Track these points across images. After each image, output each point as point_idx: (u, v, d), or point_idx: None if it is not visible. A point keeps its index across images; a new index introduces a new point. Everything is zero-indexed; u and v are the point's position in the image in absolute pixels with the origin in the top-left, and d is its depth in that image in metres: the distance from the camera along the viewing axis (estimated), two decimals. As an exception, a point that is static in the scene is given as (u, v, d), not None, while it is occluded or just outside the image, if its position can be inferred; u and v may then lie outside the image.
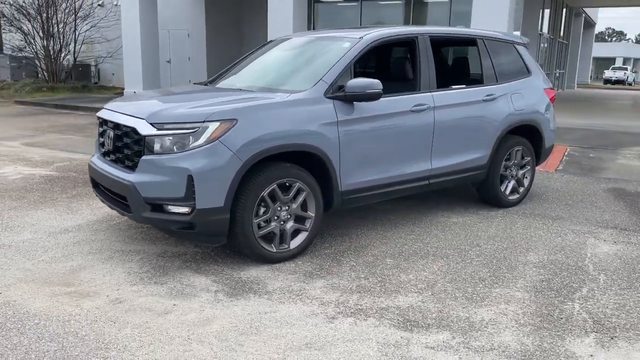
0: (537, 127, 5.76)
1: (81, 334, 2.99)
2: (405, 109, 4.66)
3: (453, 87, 5.18)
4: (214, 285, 3.69)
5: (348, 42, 4.63)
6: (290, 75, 4.78)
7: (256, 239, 3.94)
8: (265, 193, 3.92)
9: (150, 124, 3.81)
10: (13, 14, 19.25)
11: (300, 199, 4.13)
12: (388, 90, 4.51)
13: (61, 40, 19.38)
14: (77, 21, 19.67)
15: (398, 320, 3.24)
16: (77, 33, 19.61)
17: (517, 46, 5.79)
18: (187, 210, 3.73)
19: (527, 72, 5.82)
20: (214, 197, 3.72)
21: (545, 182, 6.96)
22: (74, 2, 19.42)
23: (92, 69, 22.28)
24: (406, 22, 16.14)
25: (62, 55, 19.61)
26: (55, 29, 19.13)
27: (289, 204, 4.09)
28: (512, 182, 5.71)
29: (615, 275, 3.98)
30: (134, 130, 3.90)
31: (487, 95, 5.28)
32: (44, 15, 19.01)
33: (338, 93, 4.25)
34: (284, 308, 3.36)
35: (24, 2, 19.06)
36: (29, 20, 19.06)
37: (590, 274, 4.00)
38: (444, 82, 5.19)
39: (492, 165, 5.44)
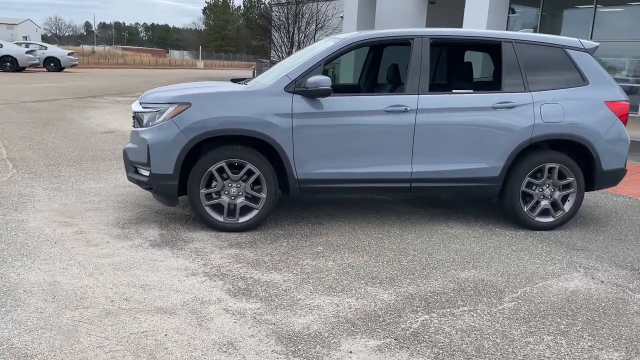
0: (583, 143, 5.01)
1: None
2: (377, 108, 4.72)
3: (454, 91, 4.95)
4: (152, 237, 4.51)
5: (332, 42, 4.92)
6: (284, 70, 5.27)
7: (203, 207, 4.63)
8: (213, 168, 4.57)
9: (140, 103, 4.82)
10: (265, 26, 22.81)
11: (251, 179, 4.64)
12: (371, 90, 4.65)
13: (302, 48, 22.21)
14: (316, 31, 22.25)
15: (243, 289, 3.59)
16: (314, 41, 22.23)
17: (569, 51, 5.12)
18: (148, 173, 4.63)
19: (583, 80, 5.10)
20: (165, 165, 4.54)
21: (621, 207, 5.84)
22: (316, 14, 22.01)
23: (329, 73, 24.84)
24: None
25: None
26: (296, 38, 21.99)
27: (239, 182, 4.65)
28: (544, 203, 5.09)
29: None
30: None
31: (501, 103, 4.88)
32: (292, 26, 22.05)
33: (300, 88, 4.63)
34: (172, 261, 4.00)
35: (275, 14, 22.37)
36: (278, 31, 22.32)
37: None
38: (445, 85, 5.01)
39: (508, 180, 4.99)
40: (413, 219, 5.32)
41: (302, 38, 21.97)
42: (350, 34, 4.99)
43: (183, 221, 4.95)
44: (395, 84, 5.09)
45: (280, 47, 22.18)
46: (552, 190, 5.10)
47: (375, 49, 6.23)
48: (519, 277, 3.96)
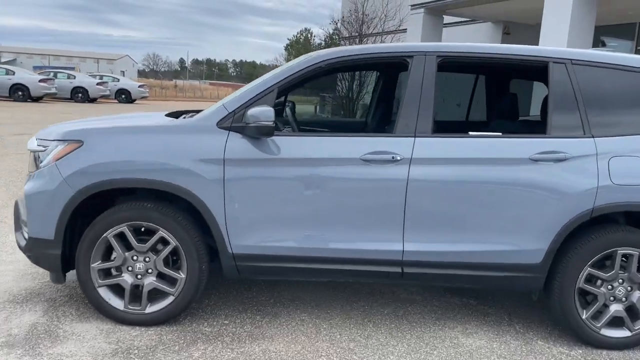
0: (681, 220, 3.22)
1: None
2: (350, 155, 3.19)
3: (471, 133, 3.32)
4: (18, 327, 3.18)
5: (298, 60, 3.47)
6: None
7: (96, 288, 3.26)
8: (111, 234, 3.21)
9: (36, 139, 3.57)
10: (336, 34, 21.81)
11: (165, 251, 3.24)
12: (341, 128, 3.16)
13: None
14: (383, 38, 20.95)
15: None
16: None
17: (661, 77, 3.36)
18: (26, 235, 3.34)
19: (683, 122, 3.32)
20: (44, 227, 3.22)
21: None
22: (383, 22, 20.68)
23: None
24: None
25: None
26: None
27: (149, 254, 3.25)
28: (615, 308, 3.30)
29: None
30: None
31: (544, 153, 3.20)
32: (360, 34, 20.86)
33: (238, 124, 3.21)
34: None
35: (342, 22, 21.28)
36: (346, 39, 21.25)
37: None
38: (462, 123, 3.41)
39: (555, 270, 3.27)
40: (414, 314, 3.67)
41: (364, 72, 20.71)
42: (322, 50, 3.52)
43: (84, 304, 3.60)
44: (378, 120, 3.54)
45: (340, 81, 21.00)
46: (629, 289, 3.30)
47: (386, 74, 4.69)
48: None
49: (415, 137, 3.22)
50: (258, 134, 3.11)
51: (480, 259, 3.25)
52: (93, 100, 27.37)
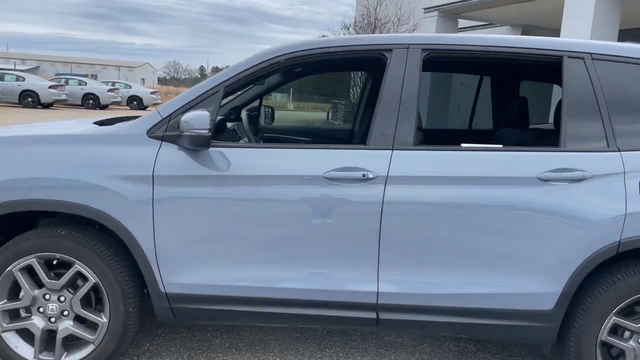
0: None
1: None
2: (309, 172, 2.55)
3: (463, 145, 2.65)
4: None
5: (253, 55, 2.83)
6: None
7: (0, 334, 2.65)
8: (15, 268, 2.61)
9: None
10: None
11: (82, 290, 2.62)
12: (324, 138, 2.53)
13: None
14: None
15: None
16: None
17: None
18: None
19: None
20: None
21: None
22: (396, 26, 19.99)
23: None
24: None
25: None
26: (370, 78, 20.13)
27: (63, 293, 2.64)
28: (649, 368, 2.60)
29: None
30: None
31: (557, 171, 2.52)
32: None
33: (173, 132, 2.59)
34: None
35: (354, 27, 20.60)
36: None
37: None
38: (459, 133, 2.77)
39: (572, 319, 2.58)
40: (397, 367, 3.00)
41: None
42: (283, 44, 2.89)
43: None
44: (345, 129, 2.91)
45: (352, 87, 20.36)
46: (666, 343, 2.59)
47: (374, 75, 4.03)
48: None
49: (393, 149, 2.57)
50: (191, 144, 2.48)
51: (475, 303, 2.57)
52: (104, 107, 27.12)
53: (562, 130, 2.60)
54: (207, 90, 2.65)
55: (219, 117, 3.41)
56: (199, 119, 2.43)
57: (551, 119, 3.53)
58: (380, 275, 2.57)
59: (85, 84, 26.66)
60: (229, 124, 3.44)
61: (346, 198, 2.54)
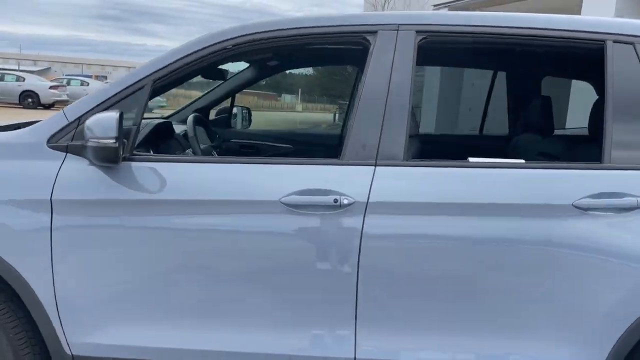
0: None
1: None
2: (261, 197, 1.88)
3: (471, 160, 1.96)
4: None
5: (195, 39, 2.16)
6: None
7: None
8: None
9: None
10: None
11: (-39, 349, 1.98)
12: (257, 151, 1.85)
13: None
14: None
15: None
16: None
17: None
18: None
19: None
20: None
21: None
22: None
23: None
24: None
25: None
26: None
27: (-62, 352, 2.00)
28: None
29: None
30: None
31: (599, 197, 1.83)
32: None
33: (80, 141, 1.93)
34: None
35: None
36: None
37: None
38: (468, 140, 2.10)
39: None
40: None
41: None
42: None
43: None
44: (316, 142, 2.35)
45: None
46: None
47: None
48: None
49: (376, 165, 1.89)
50: (95, 158, 1.82)
51: (485, 376, 1.89)
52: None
53: (605, 139, 1.91)
54: (130, 86, 1.99)
55: (173, 121, 2.78)
56: (102, 124, 1.77)
57: (569, 124, 2.84)
58: (357, 338, 1.90)
59: (88, 84, 26.19)
60: (180, 130, 2.78)
61: (311, 232, 1.87)
